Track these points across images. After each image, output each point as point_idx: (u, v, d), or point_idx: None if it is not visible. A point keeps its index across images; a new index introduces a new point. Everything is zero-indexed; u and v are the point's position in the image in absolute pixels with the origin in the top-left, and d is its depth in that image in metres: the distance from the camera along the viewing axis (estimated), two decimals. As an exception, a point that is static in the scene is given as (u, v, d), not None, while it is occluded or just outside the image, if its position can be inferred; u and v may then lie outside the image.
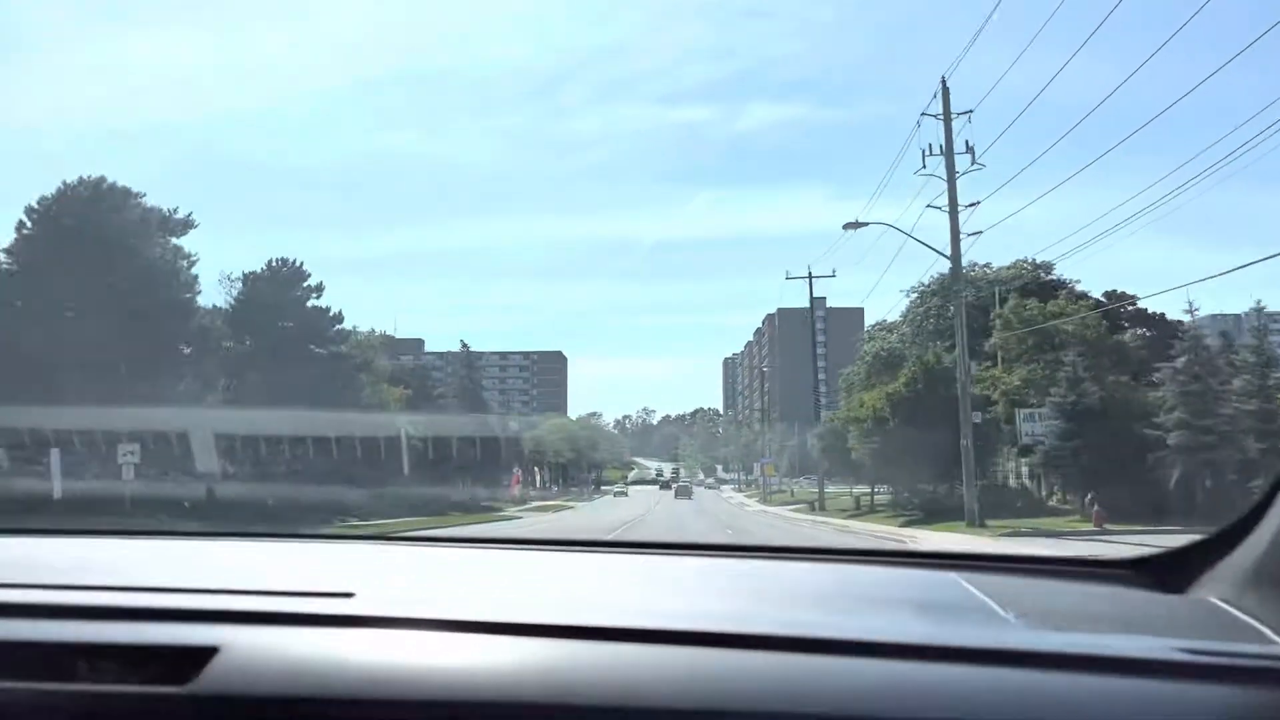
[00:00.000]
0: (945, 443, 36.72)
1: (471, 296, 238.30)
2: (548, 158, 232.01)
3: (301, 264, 42.83)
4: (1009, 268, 55.64)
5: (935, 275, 57.05)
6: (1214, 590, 1.51)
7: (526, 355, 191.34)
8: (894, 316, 61.87)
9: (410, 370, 60.73)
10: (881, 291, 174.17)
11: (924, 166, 30.04)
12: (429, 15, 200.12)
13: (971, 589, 1.59)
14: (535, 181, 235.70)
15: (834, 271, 59.68)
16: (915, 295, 58.95)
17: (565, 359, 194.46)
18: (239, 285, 41.15)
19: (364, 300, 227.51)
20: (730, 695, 1.11)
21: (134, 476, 27.33)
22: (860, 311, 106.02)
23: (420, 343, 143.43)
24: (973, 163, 29.51)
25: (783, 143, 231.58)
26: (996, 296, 35.86)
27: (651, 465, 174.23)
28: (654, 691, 1.11)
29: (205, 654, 1.13)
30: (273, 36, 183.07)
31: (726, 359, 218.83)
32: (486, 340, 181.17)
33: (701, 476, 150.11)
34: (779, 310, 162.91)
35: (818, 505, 56.41)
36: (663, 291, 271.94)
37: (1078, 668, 1.16)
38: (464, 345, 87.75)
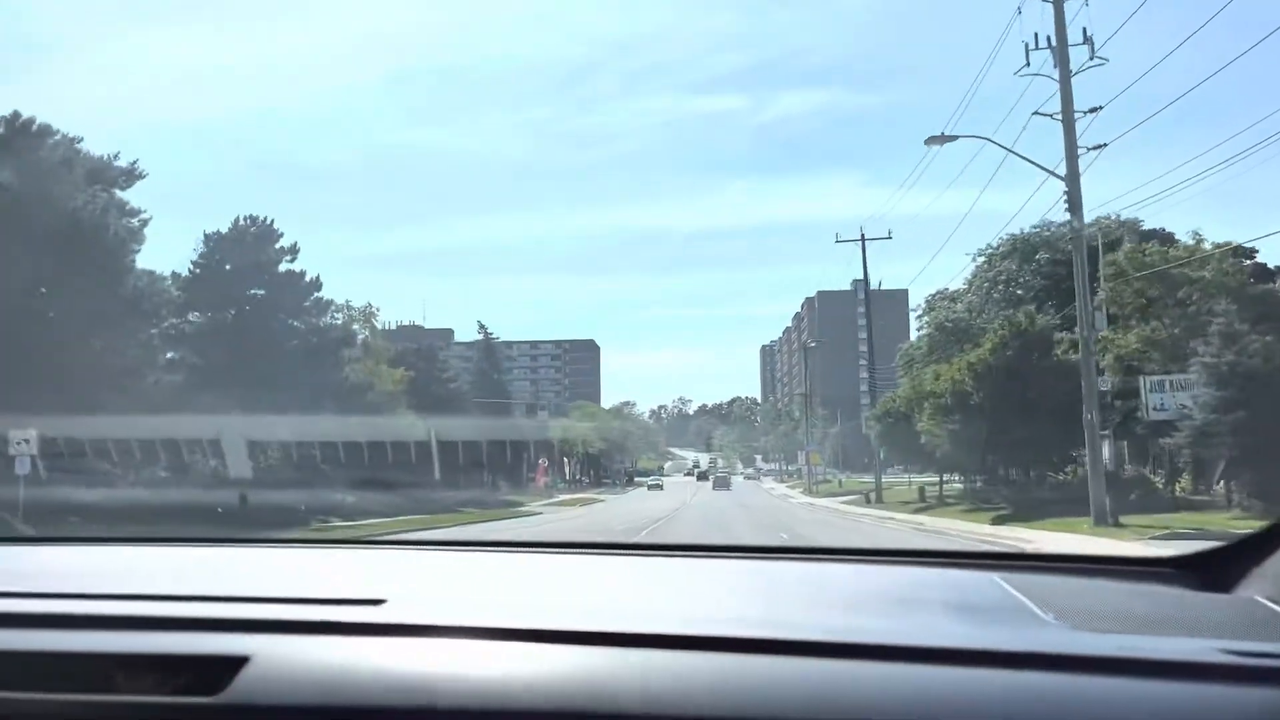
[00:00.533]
0: (1044, 420, 30.23)
1: (503, 290, 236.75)
2: (577, 150, 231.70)
3: (272, 221, 36.86)
4: (1091, 225, 48.91)
5: (1005, 236, 50.56)
6: (1261, 589, 1.51)
7: (558, 344, 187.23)
8: (957, 284, 54.96)
9: (416, 352, 54.78)
10: (927, 279, 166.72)
11: (1027, 64, 23.45)
12: (456, 9, 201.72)
13: (1010, 589, 1.57)
14: (565, 174, 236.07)
15: (890, 233, 53.05)
16: (983, 259, 52.12)
17: (598, 348, 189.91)
18: (199, 248, 35.20)
19: (395, 295, 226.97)
20: (765, 703, 1.10)
21: (29, 470, 21.53)
22: (905, 294, 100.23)
23: (450, 333, 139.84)
24: (1091, 57, 22.89)
25: (814, 129, 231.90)
26: (1099, 246, 28.99)
27: (688, 456, 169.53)
28: (690, 700, 1.11)
29: (236, 663, 1.13)
30: (300, 34, 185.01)
31: (764, 346, 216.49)
32: (518, 334, 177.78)
33: (740, 466, 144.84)
34: (819, 293, 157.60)
35: (874, 497, 49.87)
36: (697, 281, 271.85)
37: (1120, 671, 1.15)
38: (482, 328, 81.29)
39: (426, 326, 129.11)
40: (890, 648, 1.19)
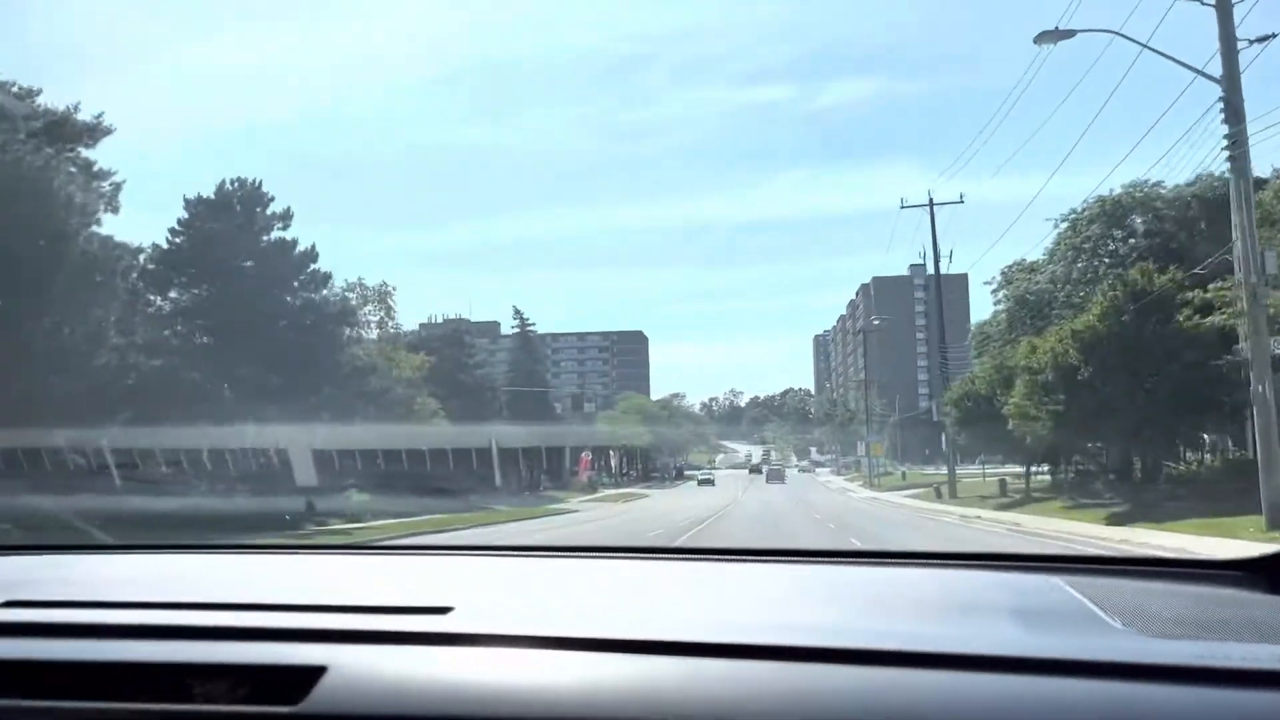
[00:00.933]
0: (1164, 399, 25.01)
1: (550, 284, 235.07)
2: (625, 143, 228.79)
3: (260, 183, 32.31)
4: (1191, 185, 43.31)
5: (1092, 199, 44.99)
6: None
7: (605, 335, 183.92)
8: (1036, 255, 49.35)
9: (441, 337, 50.54)
10: (986, 266, 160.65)
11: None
12: (505, 5, 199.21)
13: (1076, 594, 1.53)
14: (613, 168, 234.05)
15: (961, 197, 47.68)
16: (1066, 225, 46.51)
17: (645, 339, 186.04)
18: (180, 216, 30.79)
19: (443, 291, 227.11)
20: (829, 713, 1.10)
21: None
22: (965, 278, 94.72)
23: (495, 325, 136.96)
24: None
25: (865, 118, 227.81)
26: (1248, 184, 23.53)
27: (740, 449, 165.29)
28: (758, 710, 1.11)
29: (314, 673, 1.14)
30: (347, 36, 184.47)
31: (817, 336, 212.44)
32: (565, 327, 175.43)
33: (794, 459, 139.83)
34: (874, 279, 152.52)
35: (946, 491, 44.66)
36: (748, 273, 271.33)
37: (1195, 680, 1.12)
38: (517, 314, 76.47)
39: (473, 320, 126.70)
40: (955, 656, 1.16)
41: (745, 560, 2.02)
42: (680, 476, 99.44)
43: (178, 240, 31.31)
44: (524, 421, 60.71)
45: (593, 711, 1.09)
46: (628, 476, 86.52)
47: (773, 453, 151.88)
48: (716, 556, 2.08)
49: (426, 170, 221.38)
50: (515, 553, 2.27)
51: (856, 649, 1.18)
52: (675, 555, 2.16)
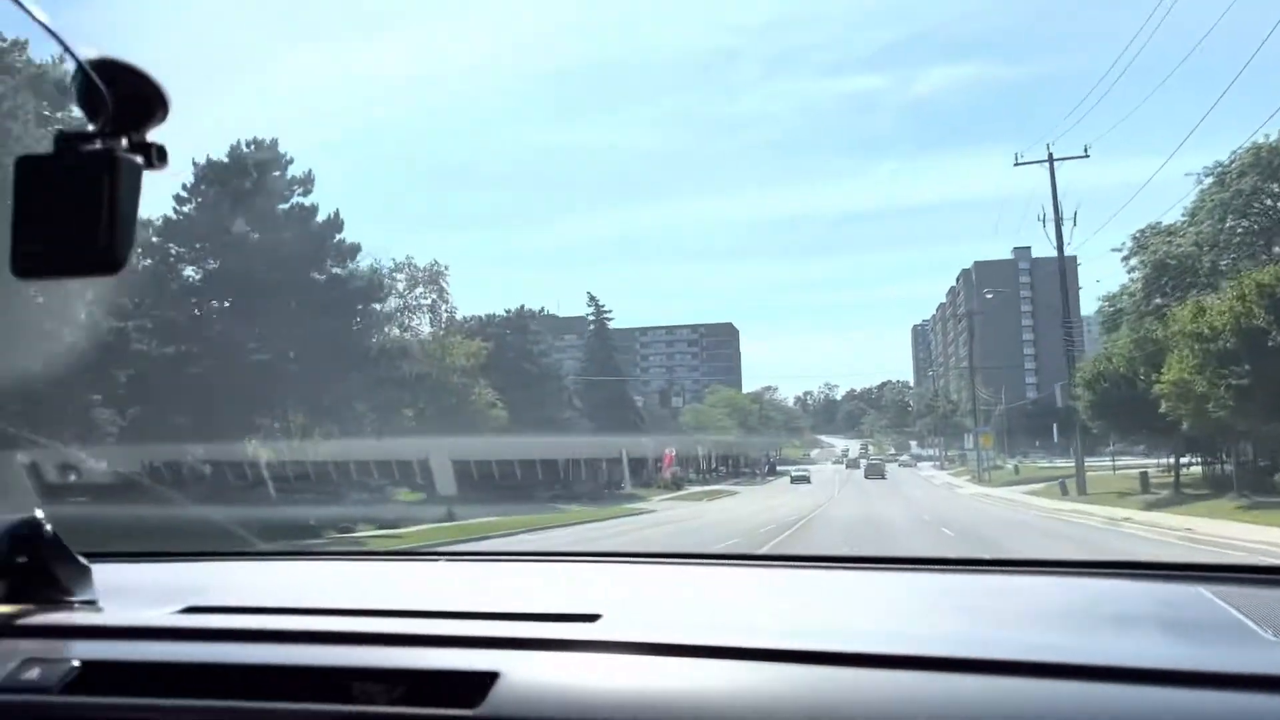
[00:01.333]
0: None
1: (640, 280, 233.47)
2: (718, 137, 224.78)
3: (275, 141, 28.47)
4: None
5: (1244, 148, 38.75)
6: None
7: (694, 329, 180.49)
8: (1169, 219, 43.10)
9: (504, 320, 46.64)
10: (1096, 247, 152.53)
11: None
12: (597, 6, 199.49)
13: (1222, 604, 1.49)
14: (706, 162, 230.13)
15: (1086, 149, 41.76)
16: (1211, 179, 40.27)
17: (736, 331, 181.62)
18: (189, 182, 26.99)
19: (532, 288, 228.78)
20: None
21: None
22: (1073, 260, 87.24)
23: (583, 320, 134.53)
24: None
25: (962, 105, 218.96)
26: None
27: (836, 443, 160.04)
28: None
29: (488, 679, 1.19)
30: (452, 41, 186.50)
31: (915, 326, 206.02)
32: (655, 322, 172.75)
33: (893, 452, 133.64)
34: (975, 264, 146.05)
35: (1073, 487, 38.89)
36: (843, 264, 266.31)
37: None
38: (592, 300, 71.88)
39: (560, 315, 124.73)
40: (1101, 668, 1.14)
41: (874, 568, 2.02)
42: (773, 472, 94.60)
43: (186, 210, 27.67)
44: (602, 417, 56.88)
45: None
46: (716, 473, 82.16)
47: (870, 446, 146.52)
48: (856, 565, 2.06)
49: (520, 171, 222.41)
50: (655, 560, 2.27)
51: (1004, 660, 1.16)
52: (807, 563, 2.11)
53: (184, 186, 27.46)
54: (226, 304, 27.01)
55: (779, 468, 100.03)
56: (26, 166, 1.01)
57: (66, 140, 1.01)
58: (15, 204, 1.00)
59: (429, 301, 38.04)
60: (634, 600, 1.68)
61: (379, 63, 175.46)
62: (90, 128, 1.01)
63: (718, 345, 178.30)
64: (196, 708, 1.21)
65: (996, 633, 1.42)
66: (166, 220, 27.38)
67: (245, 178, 26.81)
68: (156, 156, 1.03)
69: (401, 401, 29.46)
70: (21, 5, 0.87)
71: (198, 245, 27.27)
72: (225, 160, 27.39)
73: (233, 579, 1.97)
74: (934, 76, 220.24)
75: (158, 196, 26.32)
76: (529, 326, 48.10)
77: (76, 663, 1.27)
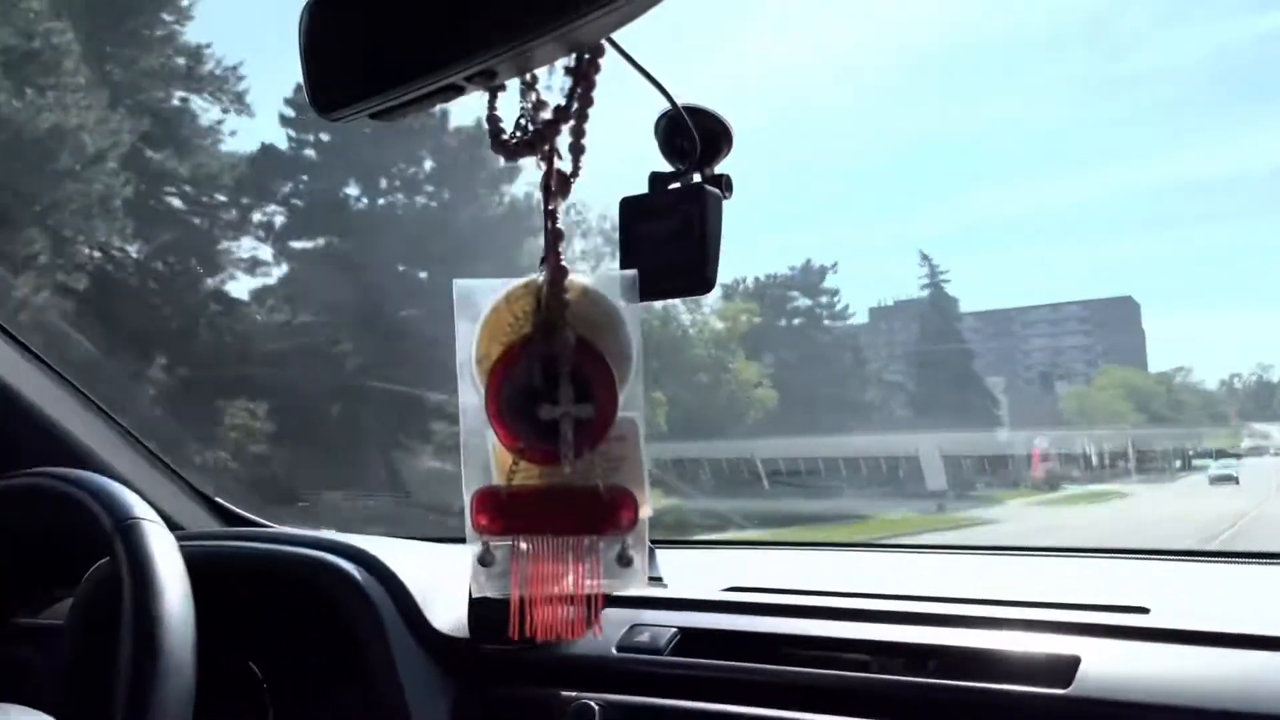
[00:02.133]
0: None
1: (1023, 259, 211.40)
2: (1103, 101, 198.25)
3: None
4: None
5: None
6: None
7: (1084, 305, 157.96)
8: None
9: (784, 283, 38.08)
10: None
11: None
12: None
13: None
14: (1090, 128, 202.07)
15: None
16: None
17: (1136, 305, 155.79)
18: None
19: (907, 277, 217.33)
20: None
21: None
22: None
23: (955, 302, 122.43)
24: None
25: None
26: None
27: (1273, 431, 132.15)
28: None
29: (1074, 662, 1.28)
30: (810, 39, 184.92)
31: None
32: (1040, 300, 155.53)
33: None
34: None
35: None
36: (1274, 226, 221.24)
37: None
38: (925, 260, 59.96)
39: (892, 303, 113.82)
40: None
41: None
42: (1187, 467, 76.79)
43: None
44: (943, 404, 46.36)
45: None
46: (1111, 469, 67.35)
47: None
48: None
49: (894, 161, 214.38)
50: (1199, 559, 2.09)
51: None
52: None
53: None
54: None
55: (1194, 462, 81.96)
56: (629, 204, 1.15)
57: (660, 180, 1.16)
58: (621, 236, 1.17)
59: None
60: (1175, 595, 1.64)
61: (764, 60, 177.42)
62: (678, 167, 1.14)
63: (1113, 321, 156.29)
64: (790, 673, 1.32)
65: None
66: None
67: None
68: (726, 186, 1.16)
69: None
70: (622, 52, 0.96)
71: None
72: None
73: (759, 564, 2.08)
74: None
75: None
76: (818, 289, 39.11)
77: (674, 629, 1.42)
